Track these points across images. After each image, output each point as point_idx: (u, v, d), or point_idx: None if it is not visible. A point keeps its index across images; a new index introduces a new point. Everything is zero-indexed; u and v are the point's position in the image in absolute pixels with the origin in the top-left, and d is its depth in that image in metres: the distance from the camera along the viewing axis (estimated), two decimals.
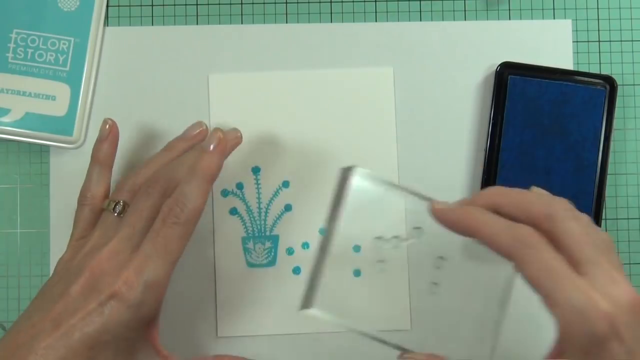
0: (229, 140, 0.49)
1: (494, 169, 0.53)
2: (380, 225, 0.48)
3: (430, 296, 0.46)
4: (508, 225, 0.40)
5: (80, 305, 0.43)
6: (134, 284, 0.44)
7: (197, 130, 0.52)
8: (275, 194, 0.55)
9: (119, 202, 0.48)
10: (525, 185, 0.53)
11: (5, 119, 0.54)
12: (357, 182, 0.42)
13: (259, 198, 0.55)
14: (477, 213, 0.41)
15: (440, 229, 0.42)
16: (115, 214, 0.48)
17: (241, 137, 0.51)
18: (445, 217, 0.42)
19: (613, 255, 0.40)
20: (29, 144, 0.55)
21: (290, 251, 0.55)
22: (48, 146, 0.55)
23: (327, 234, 0.43)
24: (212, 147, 0.47)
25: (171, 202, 0.46)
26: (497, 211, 0.41)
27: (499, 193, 0.42)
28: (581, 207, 0.53)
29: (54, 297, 0.45)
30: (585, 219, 0.41)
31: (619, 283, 0.38)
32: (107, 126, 0.51)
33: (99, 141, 0.51)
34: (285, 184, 0.55)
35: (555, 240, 0.39)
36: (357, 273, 0.55)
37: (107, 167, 0.51)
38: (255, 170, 0.55)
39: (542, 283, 0.39)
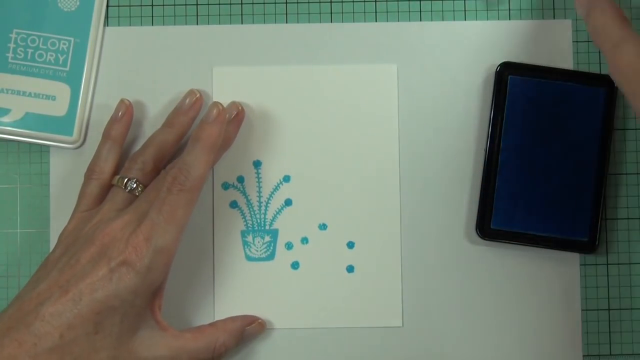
0: (230, 111, 0.52)
1: (494, 168, 0.53)
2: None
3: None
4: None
5: (89, 272, 0.45)
6: (143, 250, 0.45)
7: (193, 99, 0.53)
8: (276, 188, 0.55)
9: (131, 179, 0.50)
10: (525, 185, 0.53)
11: (5, 119, 0.54)
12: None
13: (259, 192, 0.55)
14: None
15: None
16: (127, 190, 0.49)
17: (243, 110, 0.53)
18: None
19: None
20: (29, 144, 0.55)
21: (289, 246, 0.55)
22: (48, 146, 0.55)
23: None
24: (211, 118, 0.50)
25: (175, 171, 0.47)
26: None
27: None
28: (581, 207, 0.53)
29: (61, 266, 0.46)
30: None
31: None
32: (123, 108, 0.53)
33: (113, 120, 0.52)
34: (286, 179, 0.55)
35: None
36: (350, 269, 0.55)
37: (118, 144, 0.52)
38: (257, 164, 0.55)
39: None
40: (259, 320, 0.53)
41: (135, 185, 0.50)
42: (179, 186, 0.47)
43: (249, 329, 0.52)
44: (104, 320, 0.44)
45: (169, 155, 0.52)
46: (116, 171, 0.52)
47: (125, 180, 0.50)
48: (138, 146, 0.55)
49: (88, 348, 0.44)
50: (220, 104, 0.50)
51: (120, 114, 0.52)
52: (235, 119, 0.53)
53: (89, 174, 0.51)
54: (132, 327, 0.46)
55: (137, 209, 0.48)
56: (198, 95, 0.53)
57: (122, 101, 0.53)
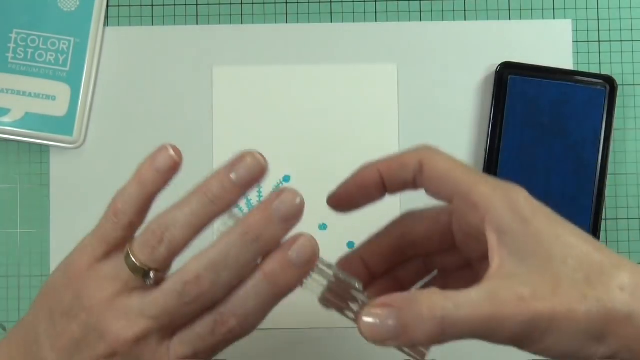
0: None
1: (494, 168, 0.53)
2: None
3: None
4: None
5: None
6: None
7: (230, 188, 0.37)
8: (276, 188, 0.55)
9: (148, 271, 0.37)
10: (525, 185, 0.53)
11: (5, 119, 0.54)
12: None
13: (259, 192, 0.55)
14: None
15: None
16: (142, 277, 0.37)
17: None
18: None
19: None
20: (29, 144, 0.55)
21: None
22: (48, 146, 0.55)
23: None
24: (295, 257, 0.36)
25: (228, 313, 0.37)
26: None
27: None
28: (581, 207, 0.53)
29: (76, 344, 0.37)
30: None
31: None
32: (172, 160, 0.38)
33: (156, 169, 0.39)
34: (286, 178, 0.55)
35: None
36: None
37: (152, 197, 0.40)
38: None
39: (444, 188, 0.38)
40: None
41: (153, 277, 0.37)
42: (224, 331, 0.37)
43: None
44: None
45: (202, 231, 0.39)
46: (144, 218, 0.40)
47: (143, 271, 0.37)
48: (138, 146, 0.55)
49: None
50: (312, 238, 0.37)
51: (165, 166, 0.38)
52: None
53: (112, 216, 0.39)
54: None
55: (150, 324, 0.36)
56: (172, 155, 0.39)
57: (167, 150, 0.38)
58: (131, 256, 0.37)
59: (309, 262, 0.36)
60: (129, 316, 0.37)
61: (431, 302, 0.34)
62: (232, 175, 0.37)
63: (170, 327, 0.37)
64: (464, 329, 0.35)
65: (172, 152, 0.38)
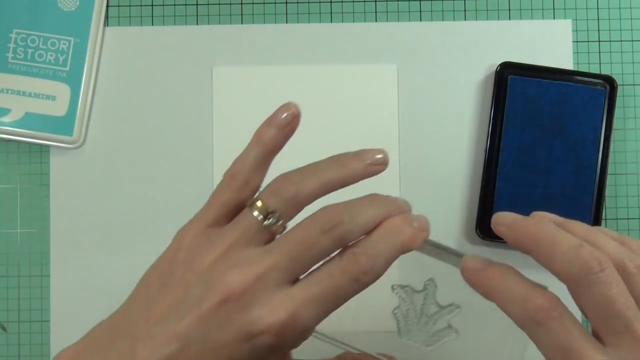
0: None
1: (494, 168, 0.53)
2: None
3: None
4: (523, 294, 0.37)
5: (214, 334, 0.37)
6: (291, 328, 0.37)
7: (380, 158, 0.40)
8: None
9: (273, 211, 0.38)
10: (526, 185, 0.53)
11: (5, 119, 0.54)
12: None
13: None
14: (498, 276, 0.38)
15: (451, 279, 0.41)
16: (264, 224, 0.38)
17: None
18: (470, 280, 0.40)
19: None
20: (29, 144, 0.55)
21: None
22: (48, 146, 0.55)
23: None
24: (415, 224, 0.38)
25: (362, 257, 0.37)
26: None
27: (531, 239, 0.39)
28: (581, 207, 0.53)
29: (178, 307, 0.37)
30: (628, 261, 0.36)
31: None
32: (289, 114, 0.41)
33: (272, 125, 0.41)
34: None
35: (580, 303, 0.36)
36: None
37: (271, 155, 0.41)
38: None
39: (550, 358, 0.36)
40: None
41: (275, 221, 0.38)
42: (357, 273, 0.37)
43: None
44: None
45: (324, 194, 0.40)
46: (259, 185, 0.41)
47: (268, 211, 0.38)
48: (138, 146, 0.55)
49: None
50: (421, 221, 0.39)
51: (284, 122, 0.41)
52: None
53: (231, 180, 0.40)
54: None
55: (275, 262, 0.37)
56: (385, 159, 0.40)
57: (288, 105, 0.41)
58: (257, 202, 0.38)
59: (425, 228, 0.39)
60: (243, 264, 0.37)
61: None
62: (363, 157, 0.39)
63: (292, 272, 0.37)
64: None
65: (292, 107, 0.41)
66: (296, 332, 0.37)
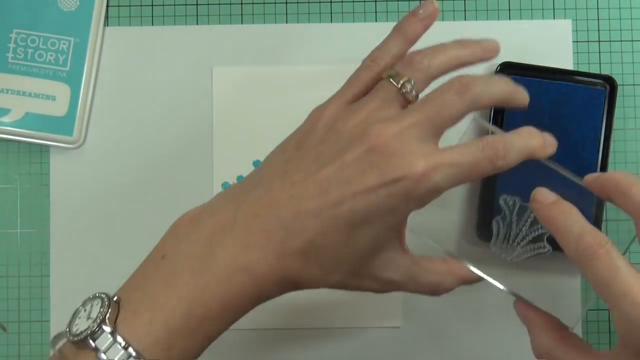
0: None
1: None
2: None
3: None
4: (579, 231, 0.41)
5: (355, 179, 0.39)
6: (423, 182, 0.39)
7: (493, 47, 0.47)
8: None
9: (409, 79, 0.42)
10: (526, 186, 0.53)
11: (5, 119, 0.54)
12: None
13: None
14: (560, 214, 0.42)
15: None
16: (401, 91, 0.42)
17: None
18: (536, 212, 0.44)
19: None
20: (29, 144, 0.55)
21: None
22: (48, 146, 0.55)
23: None
24: (548, 139, 0.45)
25: (499, 144, 0.41)
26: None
27: (613, 180, 0.44)
28: (581, 208, 0.53)
29: (318, 155, 0.41)
30: None
31: None
32: (432, 9, 0.45)
33: (415, 16, 0.45)
34: None
35: None
36: None
37: (410, 44, 0.45)
38: (256, 163, 0.55)
39: (599, 292, 0.39)
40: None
41: (410, 89, 0.42)
42: (490, 155, 0.41)
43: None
44: (356, 234, 0.40)
45: (449, 72, 0.45)
46: None
47: (404, 79, 0.42)
48: (138, 146, 0.55)
49: (333, 258, 0.40)
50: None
51: (426, 14, 0.45)
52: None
53: (370, 62, 0.45)
54: (379, 246, 0.42)
55: (415, 119, 0.41)
56: (497, 46, 0.47)
57: (430, 2, 0.45)
58: (393, 72, 0.43)
59: (554, 144, 0.45)
60: (386, 120, 0.41)
61: None
62: (482, 43, 0.46)
63: (430, 130, 0.41)
64: None
65: (431, 4, 0.45)
66: (428, 188, 0.40)
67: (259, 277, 0.40)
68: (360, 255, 0.41)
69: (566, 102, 0.53)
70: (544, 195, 0.44)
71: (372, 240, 0.41)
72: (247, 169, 0.55)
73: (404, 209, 0.41)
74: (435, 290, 0.45)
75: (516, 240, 0.47)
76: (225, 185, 0.55)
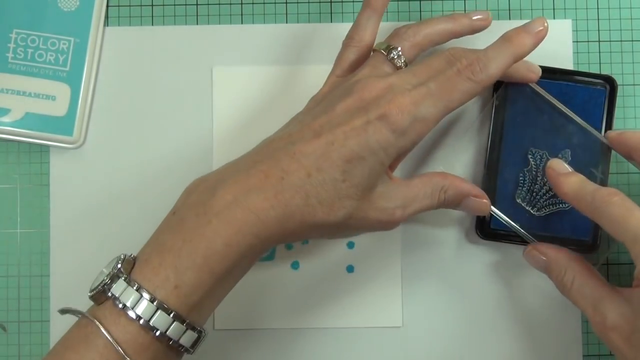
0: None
1: (495, 168, 0.53)
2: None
3: None
4: (593, 189, 0.45)
5: (345, 120, 0.44)
6: (406, 112, 0.44)
7: (484, 16, 0.51)
8: None
9: (395, 47, 0.48)
10: (526, 185, 0.53)
11: (5, 119, 0.54)
12: None
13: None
14: (571, 180, 0.47)
15: None
16: (389, 58, 0.48)
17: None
18: (550, 180, 0.49)
19: None
20: (29, 144, 0.55)
21: (289, 246, 0.55)
22: (48, 146, 0.55)
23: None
24: (535, 29, 0.48)
25: (473, 57, 0.46)
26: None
27: (637, 140, 0.49)
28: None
29: (314, 113, 0.46)
30: None
31: None
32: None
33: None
34: None
35: None
36: (350, 269, 0.55)
37: (378, 13, 0.51)
38: None
39: (618, 232, 0.43)
40: (485, 201, 0.50)
41: (397, 56, 0.48)
42: (469, 73, 0.45)
43: (473, 201, 0.50)
44: (352, 170, 0.44)
45: (438, 43, 0.51)
46: (374, 40, 0.51)
47: (390, 48, 0.48)
48: (138, 146, 0.55)
49: (333, 194, 0.44)
50: (546, 21, 0.48)
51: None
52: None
53: (348, 42, 0.51)
54: (374, 181, 0.45)
55: (404, 77, 0.46)
56: (488, 17, 0.51)
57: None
58: (380, 43, 0.49)
59: (540, 32, 0.48)
60: (376, 77, 0.46)
61: None
62: (470, 14, 0.51)
63: (415, 84, 0.46)
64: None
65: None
66: (410, 120, 0.44)
67: (259, 211, 0.42)
68: (358, 189, 0.44)
69: (566, 102, 0.53)
70: (559, 166, 0.48)
71: (367, 175, 0.44)
72: None
73: (394, 144, 0.44)
74: (434, 199, 0.49)
75: (540, 193, 0.51)
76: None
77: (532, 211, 0.51)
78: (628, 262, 0.55)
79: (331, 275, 0.55)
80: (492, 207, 0.51)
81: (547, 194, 0.52)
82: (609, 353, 0.54)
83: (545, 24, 0.48)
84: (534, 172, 0.52)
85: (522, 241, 0.52)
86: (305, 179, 0.43)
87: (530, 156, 0.52)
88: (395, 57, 0.48)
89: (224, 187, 0.43)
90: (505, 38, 0.47)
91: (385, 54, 0.48)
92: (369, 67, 0.48)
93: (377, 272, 0.55)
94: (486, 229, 0.53)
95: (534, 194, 0.51)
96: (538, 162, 0.52)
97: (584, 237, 0.52)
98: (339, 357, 0.55)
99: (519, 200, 0.52)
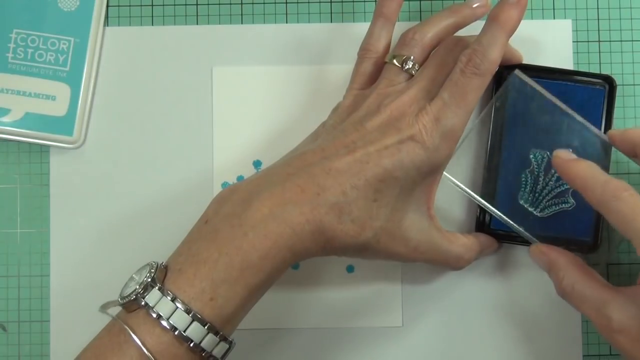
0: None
1: (495, 167, 0.53)
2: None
3: None
4: (604, 180, 0.44)
5: (377, 138, 0.45)
6: (432, 129, 0.45)
7: (483, 2, 0.51)
8: None
9: (408, 56, 0.48)
10: (526, 185, 0.53)
11: (5, 119, 0.54)
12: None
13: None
14: (582, 167, 0.45)
15: None
16: (403, 69, 0.48)
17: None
18: (558, 167, 0.47)
19: None
20: (29, 144, 0.55)
21: None
22: (48, 146, 0.55)
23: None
24: (514, 0, 0.47)
25: (469, 52, 0.46)
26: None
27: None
28: (582, 207, 0.53)
29: (344, 128, 0.46)
30: None
31: None
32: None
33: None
34: None
35: None
36: (350, 269, 0.55)
37: (391, 23, 0.51)
38: (257, 163, 0.55)
39: (624, 230, 0.42)
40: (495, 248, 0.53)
41: (412, 65, 0.48)
42: (472, 69, 0.46)
43: (487, 252, 0.52)
44: (384, 189, 0.44)
45: (445, 38, 0.50)
46: (389, 49, 0.51)
47: (402, 58, 0.48)
48: (138, 146, 0.55)
49: (365, 213, 0.44)
50: None
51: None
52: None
53: (363, 53, 0.51)
54: (407, 204, 0.46)
55: (421, 85, 0.47)
56: (487, 2, 0.51)
57: None
58: (392, 55, 0.49)
59: (523, 2, 0.47)
60: (398, 92, 0.47)
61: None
62: (470, 3, 0.51)
63: (433, 90, 0.47)
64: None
65: None
66: (443, 135, 0.45)
67: (295, 225, 0.42)
68: (388, 209, 0.45)
69: (565, 102, 0.53)
70: (566, 154, 0.47)
71: (398, 194, 0.45)
72: (247, 169, 0.55)
73: (427, 162, 0.45)
74: (457, 262, 0.49)
75: (542, 194, 0.51)
76: (225, 184, 0.55)
77: (535, 212, 0.51)
78: (628, 262, 0.55)
79: (331, 275, 0.55)
80: (493, 209, 0.51)
81: (550, 194, 0.51)
82: (609, 353, 0.54)
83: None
84: (536, 173, 0.51)
85: (522, 241, 0.52)
86: (340, 196, 0.43)
87: (532, 157, 0.52)
88: (410, 66, 0.48)
89: (260, 200, 0.43)
90: (492, 19, 0.47)
91: (400, 65, 0.48)
92: (385, 81, 0.48)
93: (377, 272, 0.55)
94: (486, 229, 0.53)
95: (537, 194, 0.51)
96: (540, 162, 0.52)
97: (584, 237, 0.52)
98: (339, 357, 0.55)
99: (521, 202, 0.52)
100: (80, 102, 0.54)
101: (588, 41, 0.56)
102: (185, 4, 0.56)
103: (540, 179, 0.52)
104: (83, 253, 0.55)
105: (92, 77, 0.55)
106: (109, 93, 0.55)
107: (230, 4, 0.56)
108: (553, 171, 0.51)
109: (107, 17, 0.56)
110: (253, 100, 0.55)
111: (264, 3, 0.56)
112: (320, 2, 0.56)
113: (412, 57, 0.48)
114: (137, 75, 0.56)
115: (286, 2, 0.56)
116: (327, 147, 0.45)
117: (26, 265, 0.55)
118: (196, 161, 0.55)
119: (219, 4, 0.56)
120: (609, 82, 0.53)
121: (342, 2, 0.56)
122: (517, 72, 0.51)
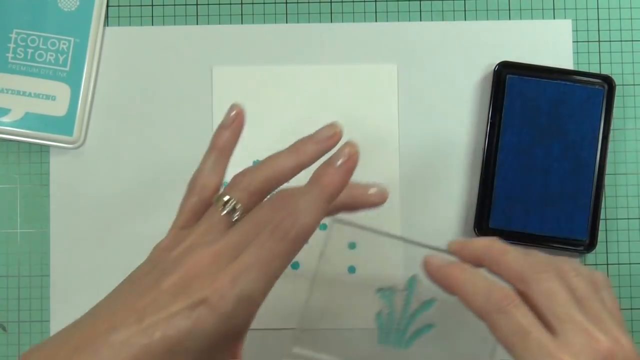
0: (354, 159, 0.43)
1: (492, 167, 0.53)
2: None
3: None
4: (486, 287, 0.40)
5: (168, 303, 0.40)
6: (227, 294, 0.39)
7: (330, 133, 0.45)
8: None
9: (229, 200, 0.42)
10: (524, 184, 0.53)
11: (5, 119, 0.54)
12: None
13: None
14: (460, 271, 0.41)
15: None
16: (223, 214, 0.42)
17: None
18: (433, 275, 0.43)
19: (594, 303, 0.39)
20: (29, 144, 0.55)
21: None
22: (48, 146, 0.55)
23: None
24: (339, 162, 0.42)
25: (283, 214, 0.41)
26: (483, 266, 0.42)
27: (484, 247, 0.42)
28: (579, 207, 0.53)
29: (142, 288, 0.41)
30: (568, 268, 0.41)
31: (593, 336, 0.38)
32: (234, 113, 0.45)
33: (222, 127, 0.45)
34: None
35: (529, 302, 0.40)
36: (351, 269, 0.55)
37: (225, 156, 0.46)
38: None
39: (511, 347, 0.39)
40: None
41: (233, 208, 0.42)
42: (281, 233, 0.40)
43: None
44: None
45: (283, 181, 0.44)
46: (220, 185, 0.45)
47: (225, 200, 0.42)
48: (138, 146, 0.55)
49: None
50: (352, 147, 0.43)
51: (230, 120, 0.45)
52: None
53: (191, 188, 0.45)
54: None
55: (231, 240, 0.41)
56: (338, 131, 0.45)
57: (232, 106, 0.46)
58: (218, 196, 0.43)
59: (347, 162, 0.42)
60: (206, 244, 0.41)
61: None
62: (315, 137, 0.44)
63: (243, 246, 0.41)
64: None
65: (235, 107, 0.45)
66: (234, 300, 0.39)
67: None
68: None
69: (564, 102, 0.53)
70: (437, 259, 0.43)
71: None
72: None
73: (220, 330, 0.40)
74: None
75: (402, 329, 0.46)
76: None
77: (402, 346, 0.46)
78: (628, 262, 0.55)
79: (332, 275, 0.55)
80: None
81: (408, 325, 0.46)
82: None
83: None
84: (387, 311, 0.47)
85: (521, 241, 0.52)
86: None
87: (378, 295, 0.47)
88: (231, 212, 0.42)
89: None
90: (314, 180, 0.42)
91: (220, 209, 0.42)
92: (205, 225, 0.42)
93: (378, 272, 0.55)
94: (485, 228, 0.53)
95: (395, 332, 0.47)
96: (387, 298, 0.47)
97: (580, 237, 0.52)
98: (339, 357, 0.55)
99: (383, 345, 0.47)
100: (80, 102, 0.54)
101: (588, 41, 0.56)
102: (185, 4, 0.56)
103: (392, 316, 0.47)
104: (83, 253, 0.55)
105: (92, 77, 0.55)
106: (109, 93, 0.55)
107: (230, 4, 0.56)
108: (402, 304, 0.46)
109: (107, 17, 0.56)
110: (253, 100, 0.55)
111: (264, 3, 0.56)
112: (320, 2, 0.56)
113: (233, 202, 0.42)
114: (137, 75, 0.56)
115: (286, 2, 0.56)
116: (119, 311, 0.40)
117: (26, 265, 0.55)
118: (196, 161, 0.55)
119: (219, 4, 0.56)
120: (608, 82, 0.53)
121: (342, 2, 0.56)
122: (337, 220, 0.46)
